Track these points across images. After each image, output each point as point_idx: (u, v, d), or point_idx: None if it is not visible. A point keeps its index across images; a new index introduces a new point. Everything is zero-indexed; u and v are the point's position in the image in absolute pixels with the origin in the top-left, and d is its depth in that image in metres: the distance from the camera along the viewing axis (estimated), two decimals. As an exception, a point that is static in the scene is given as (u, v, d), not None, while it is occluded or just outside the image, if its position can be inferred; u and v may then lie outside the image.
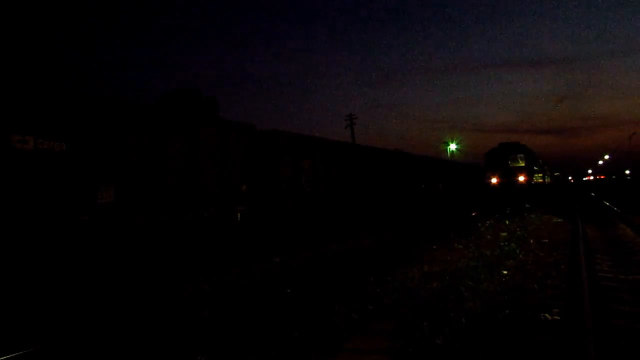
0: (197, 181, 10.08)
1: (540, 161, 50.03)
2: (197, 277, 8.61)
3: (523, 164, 36.49)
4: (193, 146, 10.06)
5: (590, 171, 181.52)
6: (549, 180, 59.61)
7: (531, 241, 11.99)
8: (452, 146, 58.52)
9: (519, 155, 36.61)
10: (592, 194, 46.34)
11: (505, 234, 13.41)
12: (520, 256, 9.84)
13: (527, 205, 24.73)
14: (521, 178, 35.93)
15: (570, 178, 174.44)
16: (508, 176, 35.88)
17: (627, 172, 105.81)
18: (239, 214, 11.31)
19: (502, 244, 11.28)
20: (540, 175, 46.79)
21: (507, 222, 16.64)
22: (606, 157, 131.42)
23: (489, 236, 13.11)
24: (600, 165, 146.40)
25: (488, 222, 16.91)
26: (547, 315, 5.73)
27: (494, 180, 36.29)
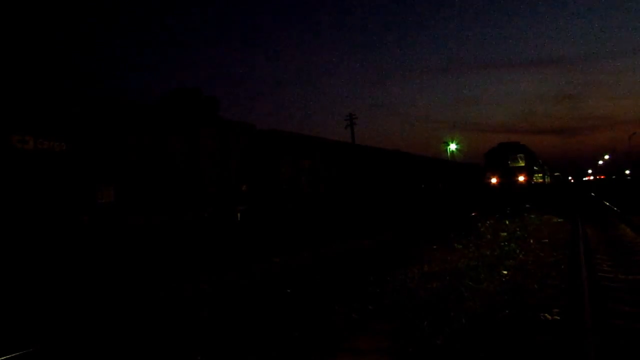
0: (197, 181, 10.08)
1: (540, 161, 50.03)
2: (197, 277, 8.61)
3: (523, 164, 36.48)
4: (193, 146, 10.06)
5: (590, 171, 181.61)
6: (549, 180, 59.61)
7: (531, 241, 11.99)
8: (452, 146, 58.56)
9: (518, 155, 36.61)
10: (592, 194, 46.34)
11: (505, 234, 13.41)
12: (520, 256, 9.84)
13: (527, 205, 24.74)
14: (521, 178, 35.92)
15: (570, 178, 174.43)
16: (508, 176, 35.87)
17: (627, 172, 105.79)
18: (239, 214, 11.30)
19: (502, 244, 11.28)
20: (540, 175, 46.78)
21: (507, 222, 16.63)
22: (606, 157, 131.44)
23: (489, 236, 13.11)
24: (600, 165, 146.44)
25: (488, 222, 16.91)
26: (547, 315, 5.73)
27: (493, 180, 36.29)
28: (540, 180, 46.67)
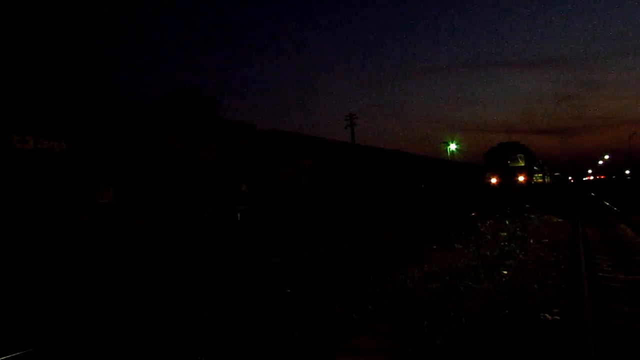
0: (197, 181, 10.08)
1: (540, 161, 50.01)
2: (197, 277, 8.61)
3: (523, 164, 36.43)
4: (193, 146, 10.06)
5: (590, 171, 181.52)
6: (549, 180, 59.56)
7: (531, 241, 11.98)
8: (452, 146, 58.58)
9: (518, 155, 36.56)
10: (592, 194, 46.33)
11: (505, 234, 13.40)
12: (520, 256, 9.83)
13: (527, 205, 24.71)
14: (521, 178, 35.88)
15: (570, 178, 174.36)
16: (508, 176, 35.83)
17: (627, 172, 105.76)
18: (239, 214, 11.30)
19: (502, 244, 11.27)
20: (540, 175, 46.75)
21: (507, 222, 16.62)
22: (606, 157, 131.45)
23: (489, 236, 13.10)
24: (600, 165, 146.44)
25: (488, 222, 16.90)
26: (547, 315, 5.73)
27: (493, 180, 36.26)
28: (540, 180, 46.63)
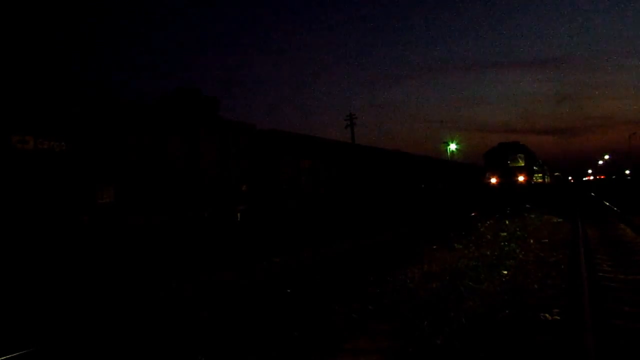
0: (197, 181, 10.08)
1: (540, 161, 49.99)
2: (197, 277, 8.61)
3: (523, 164, 36.43)
4: (193, 146, 10.06)
5: (590, 171, 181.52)
6: (549, 180, 59.56)
7: (531, 241, 11.98)
8: (452, 146, 58.57)
9: (518, 155, 36.55)
10: (592, 194, 46.34)
11: (505, 234, 13.40)
12: (520, 256, 9.84)
13: (527, 205, 24.72)
14: (521, 178, 35.88)
15: (570, 178, 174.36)
16: (508, 176, 35.82)
17: (627, 172, 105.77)
18: (239, 214, 11.31)
19: (502, 244, 11.27)
20: (540, 175, 46.75)
21: (507, 222, 16.63)
22: (606, 157, 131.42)
23: (489, 236, 13.10)
24: (600, 165, 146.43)
25: (488, 222, 16.91)
26: (547, 315, 5.73)
27: (493, 180, 36.25)
28: (540, 180, 46.64)
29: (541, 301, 6.41)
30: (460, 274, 7.82)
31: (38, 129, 7.09)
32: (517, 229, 14.41)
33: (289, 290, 7.25)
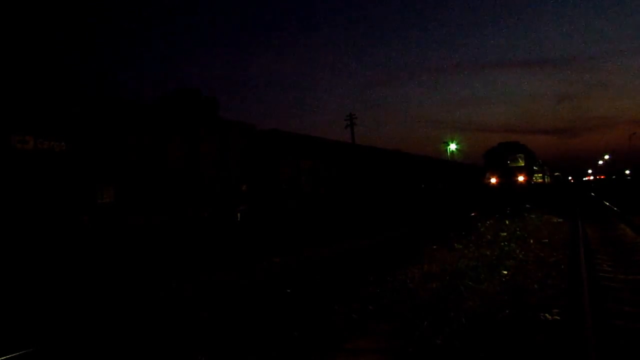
0: (197, 181, 10.08)
1: (540, 161, 49.97)
2: (197, 277, 8.61)
3: (522, 164, 36.38)
4: (193, 146, 10.06)
5: (590, 171, 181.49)
6: (549, 180, 59.52)
7: (531, 241, 11.98)
8: (452, 146, 58.61)
9: (518, 155, 36.51)
10: (592, 194, 46.33)
11: (505, 234, 13.40)
12: (520, 256, 9.83)
13: (527, 205, 24.71)
14: (521, 178, 35.84)
15: (570, 178, 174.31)
16: (507, 176, 35.78)
17: (627, 172, 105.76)
18: (239, 214, 11.30)
19: (502, 244, 11.27)
20: (540, 175, 46.72)
21: (507, 222, 16.62)
22: (606, 157, 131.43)
23: (489, 236, 13.10)
24: (600, 165, 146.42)
25: (488, 222, 16.90)
26: (547, 315, 5.72)
27: (493, 180, 36.23)
28: (540, 180, 46.61)
29: (541, 301, 6.41)
30: (460, 274, 7.82)
31: (38, 129, 7.09)
32: (517, 229, 14.40)
33: (289, 290, 7.25)
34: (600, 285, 7.39)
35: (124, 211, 8.34)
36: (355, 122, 44.32)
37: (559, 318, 5.63)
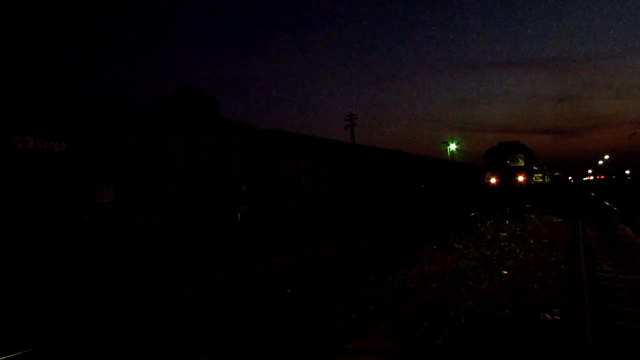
0: (197, 181, 10.08)
1: (540, 161, 49.95)
2: (197, 277, 8.61)
3: (522, 164, 36.35)
4: (193, 146, 10.06)
5: (590, 171, 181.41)
6: (549, 180, 59.49)
7: (531, 241, 11.98)
8: (452, 146, 58.62)
9: (518, 155, 36.47)
10: (592, 194, 46.34)
11: (505, 234, 13.39)
12: (520, 256, 9.83)
13: (527, 206, 24.71)
14: (521, 178, 35.81)
15: (570, 178, 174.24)
16: (507, 176, 35.75)
17: (627, 172, 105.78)
18: (239, 214, 11.30)
19: (502, 244, 11.27)
20: (540, 175, 46.69)
21: (507, 222, 16.62)
22: (606, 157, 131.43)
23: (489, 236, 13.10)
24: (600, 165, 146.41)
25: (488, 222, 16.89)
26: (547, 315, 5.72)
27: (493, 180, 36.20)
28: (540, 180, 46.58)
29: (541, 301, 6.41)
30: (460, 274, 7.82)
31: (38, 129, 7.09)
32: (517, 229, 14.39)
33: (289, 290, 7.25)
34: (601, 285, 7.39)
35: (124, 211, 8.34)
36: (355, 122, 44.36)
37: (559, 318, 5.63)
